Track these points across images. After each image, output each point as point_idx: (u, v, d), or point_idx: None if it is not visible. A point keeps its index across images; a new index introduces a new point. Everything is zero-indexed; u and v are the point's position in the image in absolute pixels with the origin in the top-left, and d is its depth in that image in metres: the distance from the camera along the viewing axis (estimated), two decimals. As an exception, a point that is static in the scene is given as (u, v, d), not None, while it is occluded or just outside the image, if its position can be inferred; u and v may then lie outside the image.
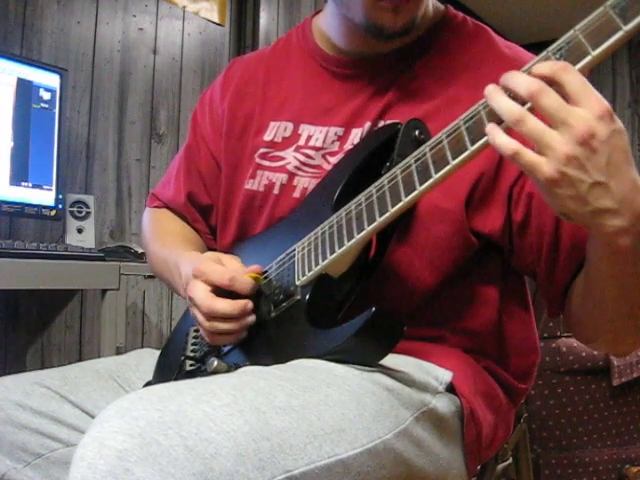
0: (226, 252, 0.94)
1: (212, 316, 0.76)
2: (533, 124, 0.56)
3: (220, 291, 0.76)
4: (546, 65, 0.56)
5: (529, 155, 0.57)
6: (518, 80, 0.57)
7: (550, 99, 0.55)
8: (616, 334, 0.76)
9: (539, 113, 0.57)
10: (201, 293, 0.76)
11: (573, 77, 0.55)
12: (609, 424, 1.94)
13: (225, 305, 0.75)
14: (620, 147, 0.57)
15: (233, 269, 0.78)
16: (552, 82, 0.56)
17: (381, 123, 0.85)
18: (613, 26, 0.54)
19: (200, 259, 0.81)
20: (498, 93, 0.59)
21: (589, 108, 0.55)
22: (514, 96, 0.58)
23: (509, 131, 0.59)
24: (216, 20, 2.60)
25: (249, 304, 0.76)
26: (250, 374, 0.66)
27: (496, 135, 0.58)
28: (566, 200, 0.58)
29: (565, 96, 0.56)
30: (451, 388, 0.78)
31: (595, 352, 1.91)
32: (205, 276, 0.77)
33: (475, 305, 0.85)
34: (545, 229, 0.78)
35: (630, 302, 0.69)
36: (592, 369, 1.91)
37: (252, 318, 0.77)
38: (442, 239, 0.81)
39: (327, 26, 0.94)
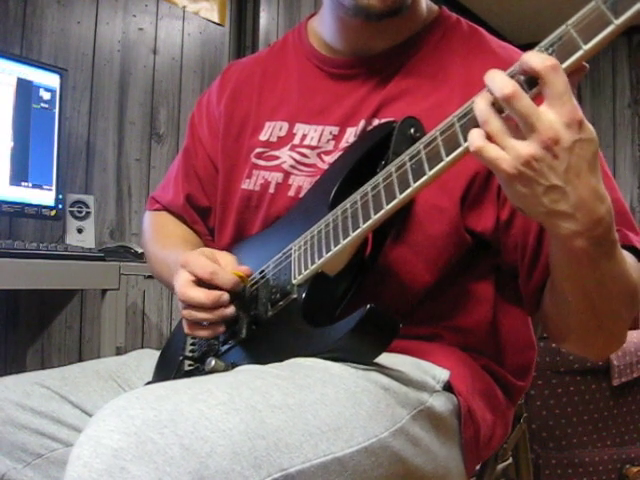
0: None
1: (187, 304, 0.76)
2: (496, 125, 0.58)
3: (203, 284, 0.76)
4: (539, 59, 0.57)
5: (491, 151, 0.58)
6: (495, 80, 0.58)
7: (521, 103, 0.57)
8: (582, 335, 0.78)
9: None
10: (181, 281, 0.77)
11: (558, 80, 0.56)
12: (609, 424, 1.94)
13: (199, 294, 0.75)
14: (583, 156, 0.58)
15: (224, 263, 0.79)
16: (538, 77, 0.57)
17: (375, 121, 0.86)
18: (604, 20, 0.54)
19: (190, 252, 0.81)
20: (481, 95, 0.60)
21: (560, 114, 0.56)
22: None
23: None
24: (216, 20, 2.61)
25: (224, 296, 0.76)
26: (246, 373, 0.66)
27: (472, 132, 0.60)
28: (522, 197, 0.60)
29: (543, 95, 0.57)
30: (449, 387, 0.78)
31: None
32: (189, 267, 0.77)
33: (470, 302, 0.85)
34: (530, 229, 0.79)
35: (592, 305, 0.71)
36: (592, 369, 1.91)
37: (229, 311, 0.77)
38: (439, 237, 0.81)
39: (322, 27, 0.95)
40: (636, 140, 4.03)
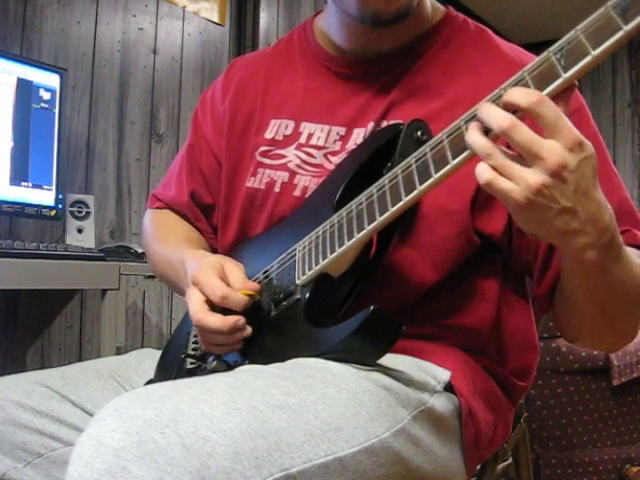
0: (228, 251, 0.95)
1: (202, 330, 0.76)
2: (500, 159, 0.59)
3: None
4: (521, 96, 0.58)
5: (502, 183, 0.59)
6: (490, 114, 0.59)
7: (521, 134, 0.57)
8: (595, 335, 0.80)
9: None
10: (195, 304, 0.76)
11: (548, 110, 0.57)
12: (609, 424, 1.94)
13: (215, 320, 0.75)
14: (587, 174, 0.59)
15: (234, 279, 0.78)
16: (527, 112, 0.58)
17: (384, 123, 0.86)
18: (614, 26, 0.54)
19: (200, 267, 0.80)
20: (472, 128, 0.61)
21: (561, 140, 0.57)
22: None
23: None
24: (216, 20, 2.61)
25: (240, 320, 0.75)
26: (247, 373, 0.66)
27: (480, 165, 0.60)
28: (534, 223, 0.62)
29: (539, 127, 0.58)
30: (450, 387, 0.78)
31: (595, 352, 1.91)
32: (200, 286, 0.77)
33: (474, 300, 0.85)
34: None
35: (603, 309, 0.73)
36: (592, 369, 1.91)
37: (246, 332, 0.77)
38: (447, 240, 0.81)
39: (328, 26, 0.94)
40: (636, 140, 4.03)
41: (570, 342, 0.85)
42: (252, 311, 0.78)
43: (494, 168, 0.59)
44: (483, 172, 0.60)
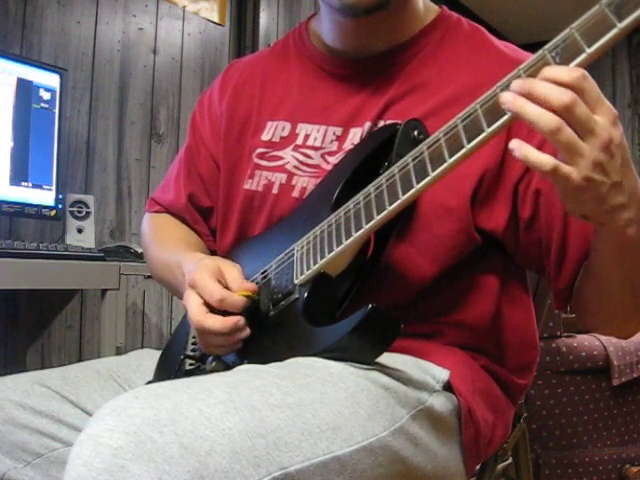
0: (226, 253, 0.95)
1: (202, 332, 0.76)
2: (569, 134, 0.58)
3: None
4: (564, 72, 0.57)
5: (564, 168, 0.59)
6: (546, 91, 0.57)
7: (581, 110, 0.57)
8: (622, 319, 0.81)
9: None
10: (193, 306, 0.76)
11: (592, 86, 0.58)
12: (609, 424, 1.94)
13: (214, 322, 0.75)
14: (626, 147, 0.62)
15: (231, 279, 0.78)
16: (572, 89, 0.57)
17: (381, 122, 0.86)
18: (608, 23, 0.55)
19: (197, 269, 0.79)
20: (523, 100, 0.58)
21: (605, 115, 0.59)
22: (538, 102, 0.58)
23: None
24: (216, 20, 2.61)
25: (240, 321, 0.75)
26: (246, 372, 0.66)
27: (529, 152, 0.59)
28: (587, 202, 0.62)
29: (585, 103, 0.58)
30: (449, 387, 0.78)
31: (595, 352, 1.91)
32: (198, 289, 0.77)
33: (473, 296, 0.85)
34: (554, 224, 0.80)
35: (634, 289, 0.74)
36: (592, 369, 1.91)
37: (245, 333, 0.77)
38: (446, 237, 0.81)
39: (321, 28, 0.95)
40: (636, 140, 4.03)
41: (593, 330, 0.87)
42: (251, 311, 0.78)
43: (557, 145, 0.58)
44: (547, 159, 0.58)
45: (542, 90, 0.57)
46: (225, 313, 0.76)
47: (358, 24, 0.87)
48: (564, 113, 0.57)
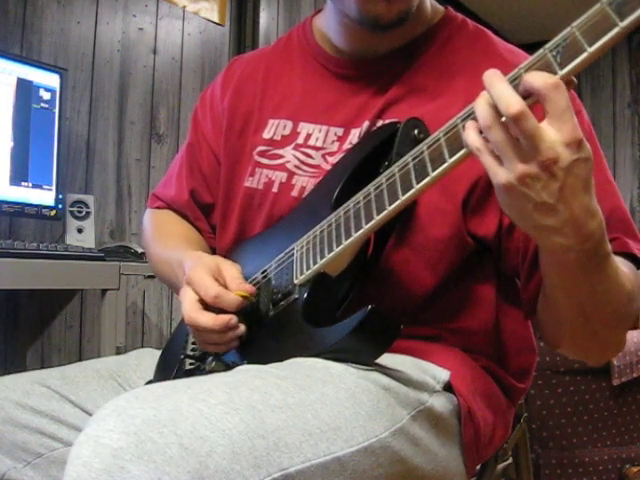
0: (226, 251, 0.95)
1: (195, 328, 0.76)
2: (499, 136, 0.57)
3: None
4: (540, 78, 0.56)
5: (488, 158, 0.58)
6: (502, 93, 0.57)
7: (528, 124, 0.56)
8: (576, 342, 0.78)
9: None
10: (188, 303, 0.76)
11: (560, 98, 0.56)
12: (609, 424, 1.94)
13: (207, 319, 0.74)
14: (579, 175, 0.57)
15: (230, 277, 0.78)
16: (538, 95, 0.56)
17: (379, 122, 0.86)
18: (609, 22, 0.54)
19: (194, 266, 0.79)
20: (482, 96, 0.59)
21: (561, 133, 0.56)
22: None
23: None
24: (216, 20, 2.61)
25: (232, 319, 0.75)
26: (246, 373, 0.66)
27: (469, 129, 0.60)
28: (511, 208, 0.61)
29: (545, 111, 0.57)
30: (449, 387, 0.78)
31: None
32: (193, 286, 0.77)
33: (473, 305, 0.85)
34: None
35: (583, 314, 0.71)
36: (592, 369, 1.91)
37: (239, 331, 0.76)
38: (440, 240, 0.81)
39: (326, 26, 0.94)
40: (636, 140, 4.03)
41: (552, 348, 0.84)
42: (249, 311, 0.77)
43: (491, 143, 0.58)
44: (474, 139, 0.59)
45: (495, 91, 0.57)
46: (220, 312, 0.75)
47: (367, 29, 0.85)
48: (510, 121, 0.56)
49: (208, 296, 0.75)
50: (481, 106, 0.59)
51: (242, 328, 0.76)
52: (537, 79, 0.56)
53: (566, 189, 0.57)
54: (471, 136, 0.60)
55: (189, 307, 0.76)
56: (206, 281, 0.76)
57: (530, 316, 0.84)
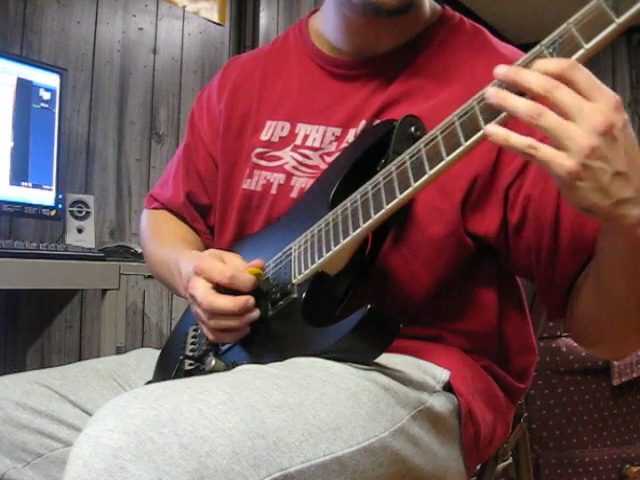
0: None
1: (213, 313, 0.76)
2: (552, 118, 0.55)
3: (221, 288, 0.76)
4: (553, 63, 0.56)
5: (546, 149, 0.56)
6: (529, 77, 0.56)
7: (566, 93, 0.55)
8: (621, 335, 0.75)
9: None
10: (202, 290, 0.76)
11: (582, 74, 0.55)
12: (609, 424, 1.94)
13: (226, 301, 0.74)
14: (632, 135, 0.57)
15: (234, 266, 0.78)
16: (561, 80, 0.56)
17: (377, 122, 0.85)
18: (606, 19, 0.54)
19: (201, 256, 0.80)
20: (505, 92, 0.57)
21: (603, 101, 0.55)
22: (520, 92, 0.57)
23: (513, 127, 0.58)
24: (216, 20, 2.61)
25: (250, 300, 0.75)
26: (246, 372, 0.66)
27: (509, 135, 0.57)
28: (588, 193, 0.57)
29: (578, 91, 0.56)
30: (449, 387, 0.78)
31: (597, 352, 1.91)
32: (206, 273, 0.76)
33: (474, 307, 0.85)
34: (543, 231, 0.77)
35: (638, 301, 0.69)
36: (592, 369, 1.91)
37: (255, 314, 0.76)
38: (436, 239, 0.80)
39: (324, 26, 0.94)
40: (636, 140, 4.02)
41: (587, 347, 0.81)
42: (258, 299, 0.77)
43: (541, 131, 0.55)
44: (522, 139, 0.56)
45: (524, 77, 0.56)
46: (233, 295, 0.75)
47: (367, 22, 0.85)
48: (548, 98, 0.55)
49: (224, 277, 0.75)
50: (515, 100, 0.56)
51: (257, 312, 0.76)
52: (550, 65, 0.56)
53: (629, 153, 0.56)
54: (515, 137, 0.57)
55: (205, 293, 0.75)
56: (218, 265, 0.77)
57: (555, 318, 0.82)
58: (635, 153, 0.57)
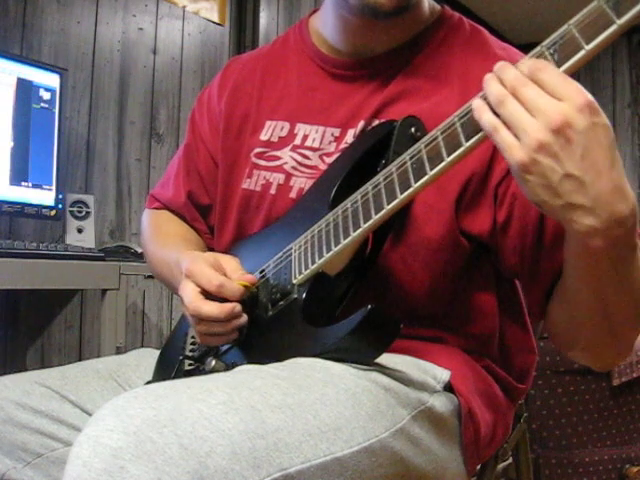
0: (224, 252, 0.95)
1: (200, 318, 0.76)
2: (512, 107, 0.57)
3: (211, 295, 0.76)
4: (525, 65, 0.58)
5: (506, 135, 0.57)
6: (506, 72, 0.59)
7: (530, 89, 0.57)
8: (593, 342, 0.75)
9: None
10: (189, 294, 0.76)
11: (550, 75, 0.56)
12: (609, 424, 1.94)
13: (212, 308, 0.74)
14: (601, 142, 0.56)
15: (230, 269, 0.78)
16: (532, 80, 0.57)
17: (375, 122, 0.85)
18: (607, 20, 0.54)
19: (193, 259, 0.80)
20: (492, 79, 0.60)
21: (569, 100, 0.56)
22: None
23: None
24: (216, 20, 2.61)
25: (237, 307, 0.75)
26: (246, 373, 0.66)
27: (482, 111, 0.60)
28: (537, 188, 0.58)
29: (543, 88, 0.57)
30: (449, 387, 0.78)
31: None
32: (194, 278, 0.77)
33: (474, 307, 0.85)
34: (528, 231, 0.77)
35: (606, 311, 0.69)
36: (592, 369, 1.91)
37: (242, 320, 0.76)
38: (433, 239, 0.80)
39: (324, 26, 0.94)
40: (636, 140, 4.03)
41: (565, 351, 0.81)
42: (249, 305, 0.77)
43: (502, 118, 0.58)
44: (490, 119, 0.58)
45: (502, 71, 0.59)
46: (223, 302, 0.75)
47: (365, 23, 0.86)
48: (514, 93, 0.57)
49: (212, 285, 0.75)
50: (493, 83, 0.59)
51: (245, 317, 0.76)
52: (523, 67, 0.58)
53: (589, 158, 0.56)
54: (485, 115, 0.59)
55: (192, 297, 0.76)
56: (207, 271, 0.76)
57: (537, 318, 0.82)
58: (599, 160, 0.56)
